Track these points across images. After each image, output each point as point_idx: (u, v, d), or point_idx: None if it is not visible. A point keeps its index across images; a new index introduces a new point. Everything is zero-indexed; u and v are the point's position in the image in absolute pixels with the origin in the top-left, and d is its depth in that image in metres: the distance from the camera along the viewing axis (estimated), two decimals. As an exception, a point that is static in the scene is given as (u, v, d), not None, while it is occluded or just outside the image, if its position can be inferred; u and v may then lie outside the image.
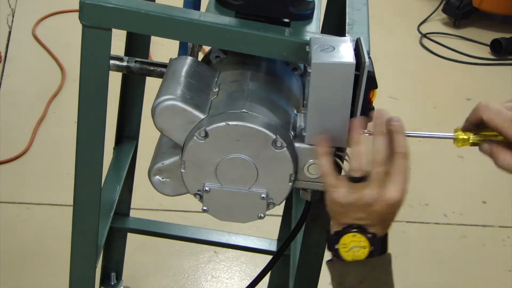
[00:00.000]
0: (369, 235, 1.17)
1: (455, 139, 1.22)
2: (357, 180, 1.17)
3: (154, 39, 1.82)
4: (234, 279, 2.57)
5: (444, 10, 4.37)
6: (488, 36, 4.26)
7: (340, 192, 1.16)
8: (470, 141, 1.21)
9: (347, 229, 1.17)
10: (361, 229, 1.17)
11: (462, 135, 1.21)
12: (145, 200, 2.56)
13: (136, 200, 2.18)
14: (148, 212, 2.68)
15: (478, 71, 4.03)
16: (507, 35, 4.20)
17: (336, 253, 1.19)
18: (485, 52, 4.17)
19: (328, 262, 1.22)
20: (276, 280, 2.18)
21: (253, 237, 2.19)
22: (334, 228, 1.20)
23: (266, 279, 2.24)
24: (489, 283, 2.73)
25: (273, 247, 2.14)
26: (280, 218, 2.17)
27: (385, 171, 1.15)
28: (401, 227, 2.80)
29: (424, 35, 4.23)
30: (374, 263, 1.18)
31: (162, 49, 2.19)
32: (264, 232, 2.52)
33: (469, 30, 4.36)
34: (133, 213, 2.19)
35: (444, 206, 3.04)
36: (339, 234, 1.18)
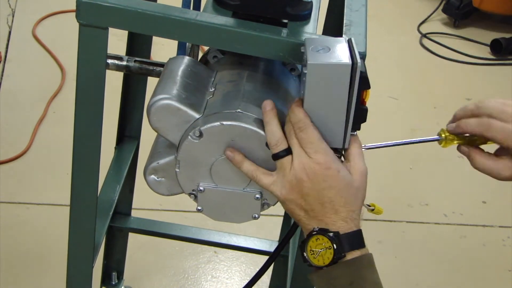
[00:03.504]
0: (330, 234, 1.16)
1: (442, 141, 1.31)
2: (282, 155, 1.18)
3: (154, 39, 1.82)
4: (234, 279, 2.57)
5: (444, 10, 4.38)
6: (488, 36, 4.26)
7: (277, 184, 1.19)
8: (455, 142, 1.29)
9: (310, 234, 1.17)
10: (322, 230, 1.17)
11: (448, 137, 1.30)
12: (146, 200, 2.56)
13: (137, 199, 2.18)
14: (149, 212, 2.68)
15: (478, 71, 4.04)
16: (507, 35, 4.20)
17: (308, 262, 1.18)
18: (485, 52, 4.18)
19: (311, 274, 1.20)
20: (277, 282, 2.18)
21: (253, 238, 2.18)
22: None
23: (267, 280, 2.24)
24: (489, 283, 2.73)
25: (274, 248, 2.13)
26: (282, 218, 2.18)
27: (299, 141, 1.17)
28: (401, 227, 2.80)
29: (424, 35, 4.23)
30: (359, 263, 1.17)
31: (163, 49, 2.20)
32: (266, 233, 2.53)
33: (469, 30, 4.36)
34: (133, 213, 2.19)
35: (444, 206, 3.04)
36: (304, 242, 1.18)
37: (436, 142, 1.32)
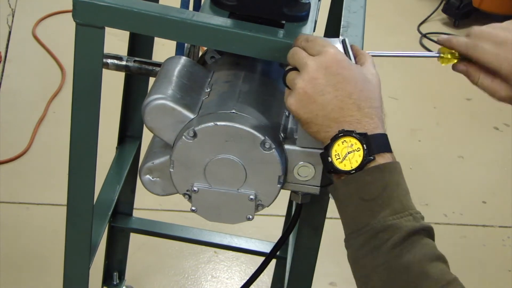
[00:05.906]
0: (357, 134, 1.07)
1: (441, 58, 1.29)
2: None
3: (156, 39, 1.82)
4: (234, 279, 2.57)
5: (444, 10, 4.38)
6: (489, 36, 4.25)
7: (299, 81, 1.10)
8: (454, 59, 1.29)
9: (335, 138, 1.08)
10: (348, 131, 1.07)
11: (448, 54, 1.28)
12: (145, 200, 2.57)
13: (136, 199, 2.18)
14: (148, 212, 2.68)
15: (478, 71, 4.03)
16: (508, 35, 4.20)
17: (333, 168, 1.08)
18: (486, 52, 4.17)
19: (332, 185, 1.11)
20: (278, 285, 2.18)
21: (255, 239, 2.18)
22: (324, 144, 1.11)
23: (268, 282, 2.24)
24: (489, 283, 2.73)
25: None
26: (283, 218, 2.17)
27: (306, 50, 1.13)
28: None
29: (424, 35, 4.23)
30: (393, 167, 1.07)
31: (163, 49, 2.19)
32: (266, 233, 2.53)
33: (469, 30, 4.36)
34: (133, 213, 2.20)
35: (444, 206, 3.04)
36: (328, 147, 1.09)
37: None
